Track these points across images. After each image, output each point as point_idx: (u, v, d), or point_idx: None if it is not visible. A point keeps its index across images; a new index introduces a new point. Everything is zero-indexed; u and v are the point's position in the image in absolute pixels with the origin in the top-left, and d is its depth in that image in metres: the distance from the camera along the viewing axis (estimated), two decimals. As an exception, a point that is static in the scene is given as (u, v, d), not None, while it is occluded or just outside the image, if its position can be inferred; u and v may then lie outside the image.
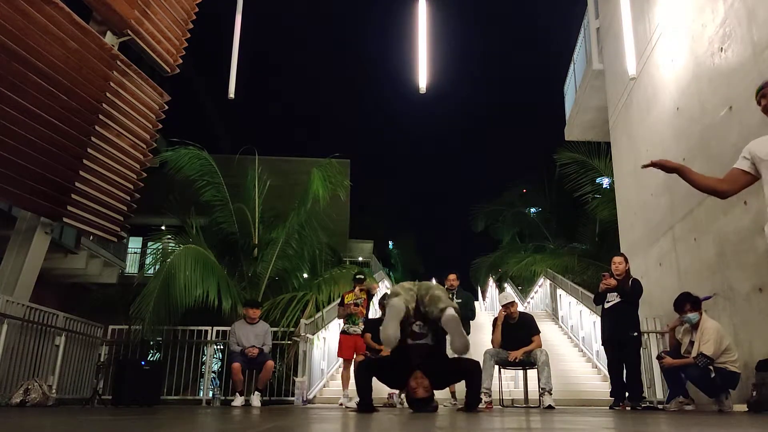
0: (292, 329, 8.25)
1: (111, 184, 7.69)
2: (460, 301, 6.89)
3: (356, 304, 7.15)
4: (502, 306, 6.68)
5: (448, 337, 4.20)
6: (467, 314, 6.94)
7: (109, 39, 7.58)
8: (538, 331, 6.55)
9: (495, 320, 6.81)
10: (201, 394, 8.42)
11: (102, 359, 7.96)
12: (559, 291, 12.49)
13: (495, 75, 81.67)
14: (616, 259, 6.37)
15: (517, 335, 6.49)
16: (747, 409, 5.03)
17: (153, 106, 8.24)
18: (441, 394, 5.47)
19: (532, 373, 6.63)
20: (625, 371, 6.09)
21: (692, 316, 5.46)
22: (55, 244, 11.16)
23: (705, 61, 6.45)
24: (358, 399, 6.47)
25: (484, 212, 21.26)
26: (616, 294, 6.19)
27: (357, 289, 7.24)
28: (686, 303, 5.54)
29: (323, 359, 8.80)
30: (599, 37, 10.73)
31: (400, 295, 4.18)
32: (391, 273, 29.93)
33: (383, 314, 4.83)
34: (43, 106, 6.58)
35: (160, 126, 8.42)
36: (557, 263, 15.24)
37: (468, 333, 6.96)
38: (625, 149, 9.64)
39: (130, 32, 7.78)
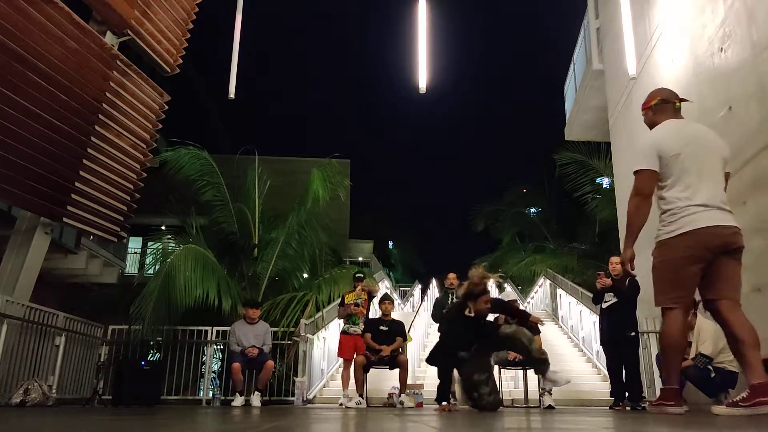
0: (292, 329, 8.25)
1: (111, 184, 7.69)
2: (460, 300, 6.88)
3: (356, 305, 7.16)
4: (504, 304, 6.66)
5: None
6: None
7: (109, 39, 7.58)
8: (538, 331, 6.54)
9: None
10: (201, 394, 8.44)
11: (102, 359, 7.97)
12: (559, 291, 12.50)
13: (495, 75, 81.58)
14: (614, 259, 6.36)
15: (517, 335, 6.47)
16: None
17: (153, 106, 8.25)
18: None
19: (532, 373, 6.63)
20: (624, 371, 6.09)
21: None
22: (55, 244, 11.15)
23: (705, 61, 6.45)
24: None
25: (484, 212, 21.21)
26: (612, 294, 6.19)
27: (358, 288, 7.24)
28: None
29: (323, 359, 8.81)
30: (599, 37, 10.72)
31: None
32: (391, 273, 29.90)
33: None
34: (43, 106, 6.58)
35: (160, 126, 8.42)
36: (557, 263, 15.26)
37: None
38: (625, 149, 9.63)
39: (130, 32, 7.78)
